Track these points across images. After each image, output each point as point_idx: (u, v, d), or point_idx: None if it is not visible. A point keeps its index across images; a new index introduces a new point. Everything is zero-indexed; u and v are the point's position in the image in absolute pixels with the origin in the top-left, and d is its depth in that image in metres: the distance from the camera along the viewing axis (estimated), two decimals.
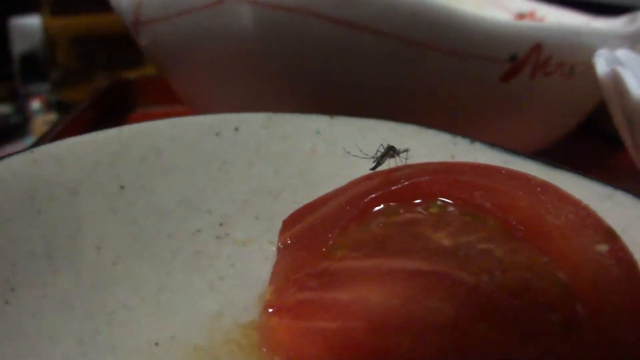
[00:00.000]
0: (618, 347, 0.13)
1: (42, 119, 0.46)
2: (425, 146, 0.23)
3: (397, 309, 0.16)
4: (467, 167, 0.20)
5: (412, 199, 0.20)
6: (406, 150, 0.20)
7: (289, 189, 0.22)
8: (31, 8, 0.53)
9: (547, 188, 0.18)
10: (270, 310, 0.18)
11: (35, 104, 0.48)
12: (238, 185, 0.22)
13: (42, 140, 0.33)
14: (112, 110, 0.42)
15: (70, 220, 0.19)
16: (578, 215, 0.17)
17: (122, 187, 0.20)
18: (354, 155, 0.21)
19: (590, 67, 0.29)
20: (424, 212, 0.19)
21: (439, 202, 0.20)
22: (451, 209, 0.19)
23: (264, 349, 0.17)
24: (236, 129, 0.23)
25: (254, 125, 0.23)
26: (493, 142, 0.22)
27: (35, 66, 0.53)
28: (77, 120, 0.37)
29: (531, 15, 0.44)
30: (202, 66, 0.30)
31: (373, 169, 0.20)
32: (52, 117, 0.47)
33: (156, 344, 0.18)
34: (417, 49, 0.26)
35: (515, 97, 0.30)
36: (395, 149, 0.20)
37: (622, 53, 0.32)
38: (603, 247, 0.15)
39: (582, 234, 0.16)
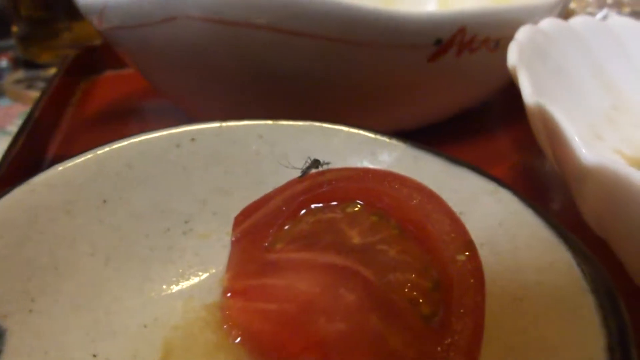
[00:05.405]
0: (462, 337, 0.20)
1: (11, 77, 0.49)
2: (352, 142, 0.28)
3: (317, 295, 0.22)
4: (376, 174, 0.25)
5: (333, 200, 0.25)
6: (327, 163, 0.25)
7: (239, 186, 0.28)
8: None
9: (433, 199, 0.23)
10: (228, 294, 0.24)
11: (3, 62, 0.51)
12: (198, 187, 0.27)
13: (35, 111, 0.38)
14: (82, 75, 0.46)
15: (67, 235, 0.24)
16: (451, 225, 0.22)
17: (104, 201, 0.26)
18: (285, 166, 0.26)
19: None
20: (341, 212, 0.25)
21: (353, 204, 0.25)
22: (362, 209, 0.25)
23: (225, 326, 0.23)
24: (192, 139, 0.27)
25: (208, 134, 0.28)
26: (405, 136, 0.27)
27: None
28: (54, 89, 0.41)
29: None
30: (163, 69, 0.33)
31: (300, 177, 0.26)
32: (21, 74, 0.49)
33: (145, 326, 0.24)
34: (350, 46, 0.30)
35: (443, 73, 0.34)
36: (319, 161, 0.25)
37: (547, 23, 0.35)
38: (462, 257, 0.21)
39: (450, 243, 0.22)
